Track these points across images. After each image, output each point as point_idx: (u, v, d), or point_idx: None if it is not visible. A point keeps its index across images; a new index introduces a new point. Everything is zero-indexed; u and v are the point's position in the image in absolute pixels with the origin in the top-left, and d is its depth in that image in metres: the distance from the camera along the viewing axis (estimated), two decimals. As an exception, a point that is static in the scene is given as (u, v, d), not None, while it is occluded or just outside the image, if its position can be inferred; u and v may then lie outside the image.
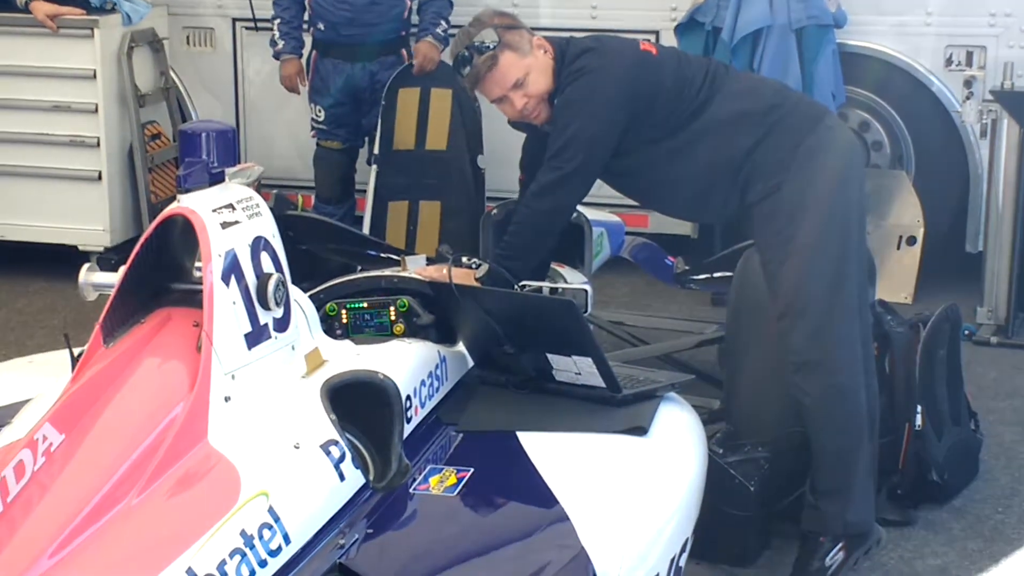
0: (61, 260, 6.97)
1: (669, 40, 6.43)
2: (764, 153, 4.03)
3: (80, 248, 7.03)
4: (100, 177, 7.04)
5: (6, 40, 7.01)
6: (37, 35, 6.91)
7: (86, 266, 3.35)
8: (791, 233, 4.01)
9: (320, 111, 6.87)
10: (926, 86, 6.72)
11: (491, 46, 3.99)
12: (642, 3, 6.80)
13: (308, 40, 6.92)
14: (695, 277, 5.80)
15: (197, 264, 3.04)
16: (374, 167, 6.94)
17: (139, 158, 7.13)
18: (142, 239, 3.03)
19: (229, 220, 3.00)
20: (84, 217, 7.07)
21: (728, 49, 6.40)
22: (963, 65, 6.67)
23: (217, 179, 3.08)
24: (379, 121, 6.86)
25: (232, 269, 2.95)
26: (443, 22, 6.73)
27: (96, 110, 6.99)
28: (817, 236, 4.02)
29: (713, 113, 4.07)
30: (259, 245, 3.05)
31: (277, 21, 6.84)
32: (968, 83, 6.63)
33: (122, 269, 3.05)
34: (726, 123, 4.06)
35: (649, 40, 4.63)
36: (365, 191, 7.01)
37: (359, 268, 4.26)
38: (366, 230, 6.66)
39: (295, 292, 3.19)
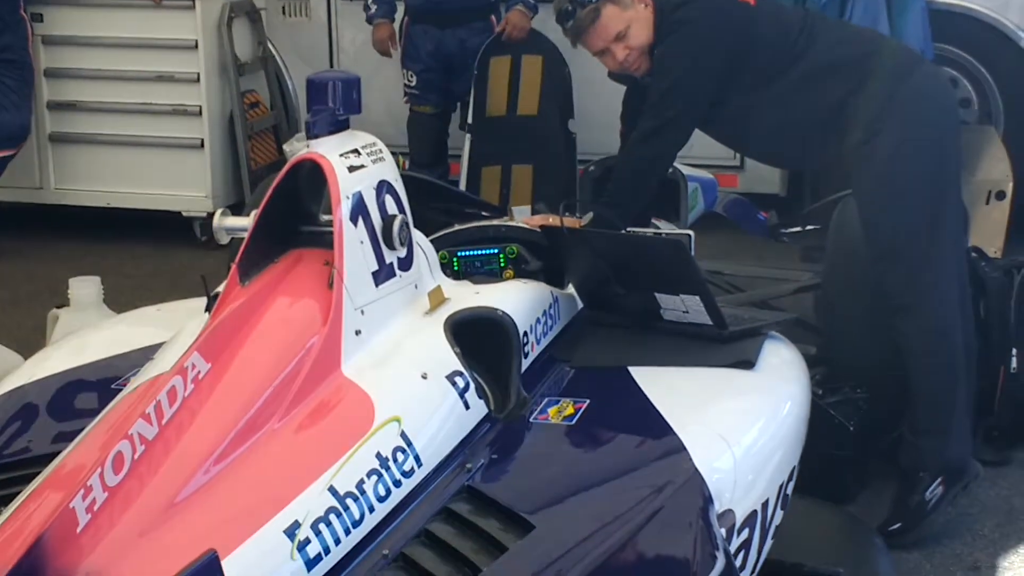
0: (165, 226, 7.16)
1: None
2: (862, 99, 4.07)
3: (184, 214, 7.21)
4: (202, 145, 7.25)
5: (111, 13, 7.21)
6: (141, 7, 7.12)
7: (219, 211, 3.47)
8: (889, 178, 4.07)
9: (412, 76, 6.99)
10: (1015, 41, 6.75)
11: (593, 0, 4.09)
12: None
13: (400, 7, 7.04)
14: (788, 230, 5.84)
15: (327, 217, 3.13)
16: (468, 135, 7.04)
17: (239, 126, 7.30)
18: (273, 184, 3.13)
19: (355, 164, 3.09)
20: (187, 184, 7.28)
21: (819, 5, 6.42)
22: (1057, 19, 6.69)
23: (342, 126, 3.19)
24: (472, 89, 6.96)
25: (359, 210, 3.04)
26: None
27: (198, 79, 7.19)
28: (915, 181, 4.07)
29: (810, 61, 4.12)
30: (383, 188, 3.14)
31: None
32: (1061, 37, 6.67)
33: (254, 213, 3.15)
34: (823, 71, 4.12)
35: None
36: (459, 156, 7.11)
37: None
38: (461, 195, 6.74)
39: (416, 234, 3.27)
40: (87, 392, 3.29)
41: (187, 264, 6.61)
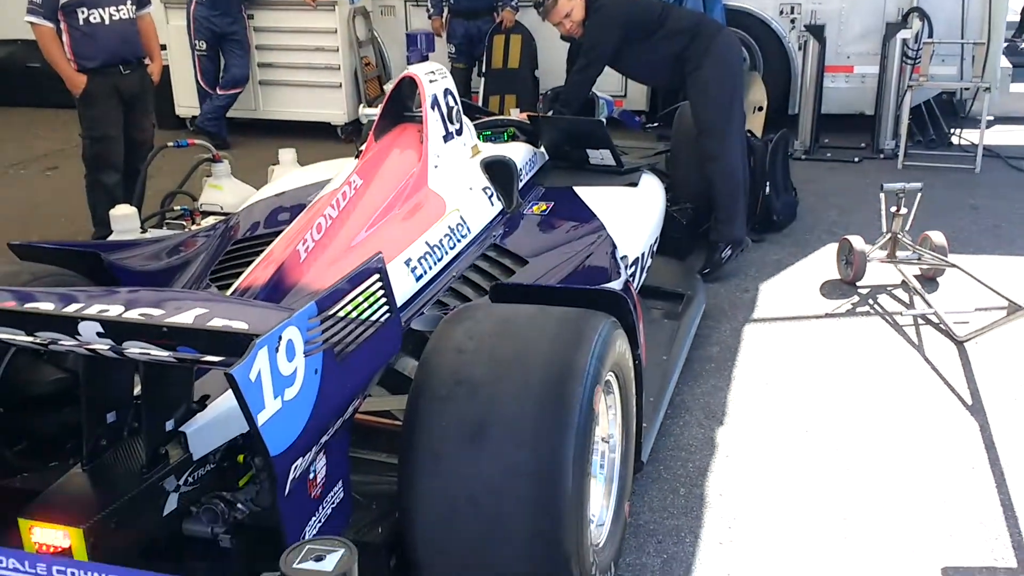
0: (321, 128, 7.03)
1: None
2: (694, 47, 4.00)
3: (332, 123, 7.06)
4: (340, 85, 6.98)
5: (290, 12, 6.88)
6: (305, 10, 6.80)
7: (361, 105, 3.44)
8: (707, 90, 4.01)
9: (452, 47, 6.75)
10: (769, 25, 6.56)
11: None
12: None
13: (445, 7, 6.78)
14: (649, 125, 5.79)
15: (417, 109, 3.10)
16: (483, 78, 6.88)
17: (360, 75, 7.00)
18: (389, 90, 3.10)
19: (433, 79, 3.06)
20: (332, 106, 7.00)
21: (668, 1, 6.21)
22: (790, 13, 6.50)
23: (424, 59, 3.15)
24: (484, 54, 6.78)
25: (435, 103, 3.02)
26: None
27: (337, 49, 6.87)
28: (721, 92, 4.01)
29: (666, 28, 4.03)
30: (446, 92, 3.11)
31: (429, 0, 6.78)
32: (792, 22, 6.49)
33: (380, 105, 3.12)
34: (673, 32, 4.02)
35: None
36: (477, 91, 6.96)
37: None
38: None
39: (464, 117, 3.23)
40: (288, 206, 3.22)
41: (332, 146, 6.50)
